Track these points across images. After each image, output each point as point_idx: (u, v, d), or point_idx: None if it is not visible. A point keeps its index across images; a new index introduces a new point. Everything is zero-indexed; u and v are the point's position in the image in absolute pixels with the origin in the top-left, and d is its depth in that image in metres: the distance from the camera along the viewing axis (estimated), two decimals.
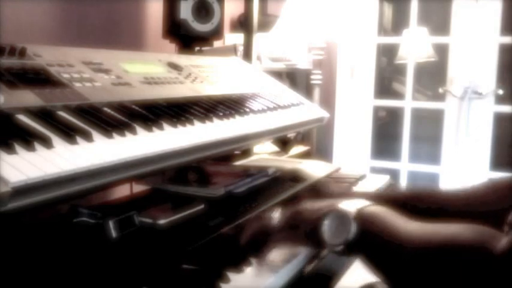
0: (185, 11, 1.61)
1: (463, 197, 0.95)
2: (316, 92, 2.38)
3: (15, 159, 0.64)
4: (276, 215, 0.85)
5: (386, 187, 1.41)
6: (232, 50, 1.97)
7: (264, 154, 1.71)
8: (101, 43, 1.15)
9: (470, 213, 0.90)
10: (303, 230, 0.82)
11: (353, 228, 0.75)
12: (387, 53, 3.45)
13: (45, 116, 0.78)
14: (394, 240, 0.72)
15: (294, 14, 2.27)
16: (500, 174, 2.57)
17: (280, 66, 2.38)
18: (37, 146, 0.69)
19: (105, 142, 0.79)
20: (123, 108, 0.93)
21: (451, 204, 0.94)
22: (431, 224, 0.73)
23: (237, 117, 1.14)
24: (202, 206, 1.00)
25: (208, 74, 1.34)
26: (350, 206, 0.78)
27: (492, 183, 0.96)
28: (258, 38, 1.85)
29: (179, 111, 1.01)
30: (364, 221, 0.75)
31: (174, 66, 1.26)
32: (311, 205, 0.84)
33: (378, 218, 0.76)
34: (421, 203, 0.96)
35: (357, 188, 1.33)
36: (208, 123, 1.03)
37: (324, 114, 1.53)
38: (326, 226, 0.77)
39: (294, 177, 1.31)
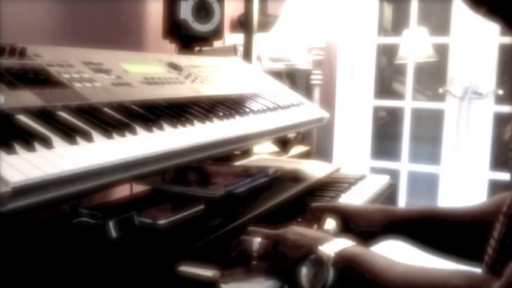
0: (185, 11, 1.61)
1: (472, 213, 0.94)
2: (316, 92, 2.38)
3: (15, 159, 0.64)
4: (257, 242, 0.82)
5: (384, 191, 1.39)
6: (232, 50, 1.97)
7: (264, 154, 1.71)
8: (101, 43, 1.15)
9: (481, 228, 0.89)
10: (280, 270, 0.79)
11: (330, 276, 0.72)
12: (387, 53, 3.44)
13: (45, 116, 0.78)
14: (377, 285, 0.70)
15: (294, 14, 2.27)
16: (500, 175, 2.57)
17: (280, 66, 2.38)
18: (37, 146, 0.69)
19: (105, 142, 0.79)
20: (123, 108, 0.93)
21: (465, 220, 0.94)
22: (417, 267, 0.70)
23: (237, 117, 1.14)
24: (202, 206, 1.00)
25: (208, 74, 1.34)
26: (329, 248, 0.75)
27: (499, 196, 0.93)
28: (258, 38, 1.85)
29: (179, 111, 1.01)
30: (343, 266, 0.73)
31: (174, 67, 1.26)
32: (294, 239, 0.80)
33: (358, 262, 0.73)
34: (438, 220, 0.95)
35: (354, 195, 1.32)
36: (208, 124, 1.04)
37: (324, 114, 1.53)
38: (303, 272, 0.75)
39: (294, 177, 1.31)
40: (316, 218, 1.01)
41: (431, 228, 0.95)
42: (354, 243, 0.77)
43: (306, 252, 0.76)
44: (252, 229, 0.86)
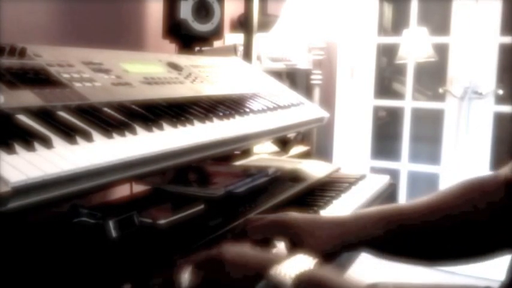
0: (185, 11, 1.61)
1: (435, 206, 0.84)
2: (316, 92, 2.38)
3: (15, 159, 0.64)
4: (186, 276, 0.68)
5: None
6: (232, 50, 1.97)
7: (264, 154, 1.71)
8: (101, 43, 1.15)
9: (445, 222, 0.82)
10: None
11: None
12: (387, 53, 3.44)
13: (45, 116, 0.78)
14: None
15: (294, 14, 2.27)
16: None
17: (280, 66, 2.38)
18: (37, 146, 0.69)
19: (105, 142, 0.79)
20: (123, 108, 0.93)
21: (426, 216, 0.83)
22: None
23: (237, 117, 1.14)
24: (202, 206, 1.00)
25: (208, 74, 1.34)
26: (284, 272, 0.62)
27: (458, 187, 0.84)
28: (258, 38, 1.85)
29: (179, 111, 1.01)
30: None
31: (174, 66, 1.26)
32: (234, 261, 0.68)
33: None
34: (395, 223, 0.84)
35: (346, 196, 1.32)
36: (208, 123, 1.03)
37: (324, 114, 1.53)
38: None
39: (294, 177, 1.31)
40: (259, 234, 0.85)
41: (393, 235, 0.83)
42: (311, 265, 0.65)
43: (253, 277, 0.64)
44: (181, 261, 0.73)
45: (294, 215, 0.88)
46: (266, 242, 0.85)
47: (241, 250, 0.71)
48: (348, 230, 0.84)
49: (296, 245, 0.83)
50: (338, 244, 0.83)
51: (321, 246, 0.82)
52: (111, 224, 0.85)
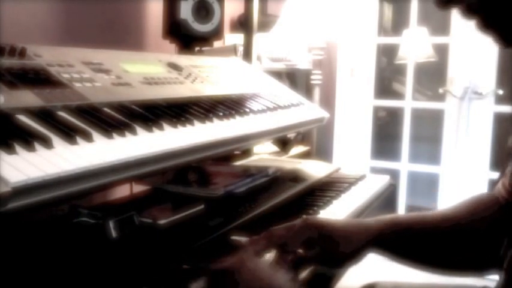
0: (185, 11, 1.61)
1: (448, 218, 0.92)
2: (316, 92, 2.38)
3: (15, 159, 0.64)
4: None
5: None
6: (232, 50, 1.97)
7: (264, 154, 1.71)
8: (101, 43, 1.15)
9: (458, 233, 0.89)
10: None
11: None
12: (387, 53, 3.44)
13: (45, 116, 0.78)
14: None
15: (294, 14, 2.27)
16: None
17: (280, 66, 2.38)
18: (37, 146, 0.69)
19: (105, 142, 0.79)
20: (123, 108, 0.93)
21: (439, 226, 0.91)
22: None
23: (237, 117, 1.14)
24: (202, 206, 1.00)
25: (208, 74, 1.34)
26: None
27: (475, 201, 0.93)
28: (258, 38, 1.85)
29: (179, 111, 1.01)
30: None
31: (174, 67, 1.26)
32: (251, 277, 0.71)
33: None
34: (411, 230, 0.91)
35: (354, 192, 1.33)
36: (208, 124, 1.04)
37: (324, 114, 1.53)
38: None
39: (294, 177, 1.31)
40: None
41: (400, 238, 0.90)
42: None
43: None
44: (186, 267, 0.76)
45: (321, 218, 0.96)
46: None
47: (258, 267, 0.73)
48: (370, 231, 0.89)
49: (324, 247, 0.86)
50: (361, 245, 0.88)
51: (349, 249, 0.86)
52: (111, 224, 0.85)
